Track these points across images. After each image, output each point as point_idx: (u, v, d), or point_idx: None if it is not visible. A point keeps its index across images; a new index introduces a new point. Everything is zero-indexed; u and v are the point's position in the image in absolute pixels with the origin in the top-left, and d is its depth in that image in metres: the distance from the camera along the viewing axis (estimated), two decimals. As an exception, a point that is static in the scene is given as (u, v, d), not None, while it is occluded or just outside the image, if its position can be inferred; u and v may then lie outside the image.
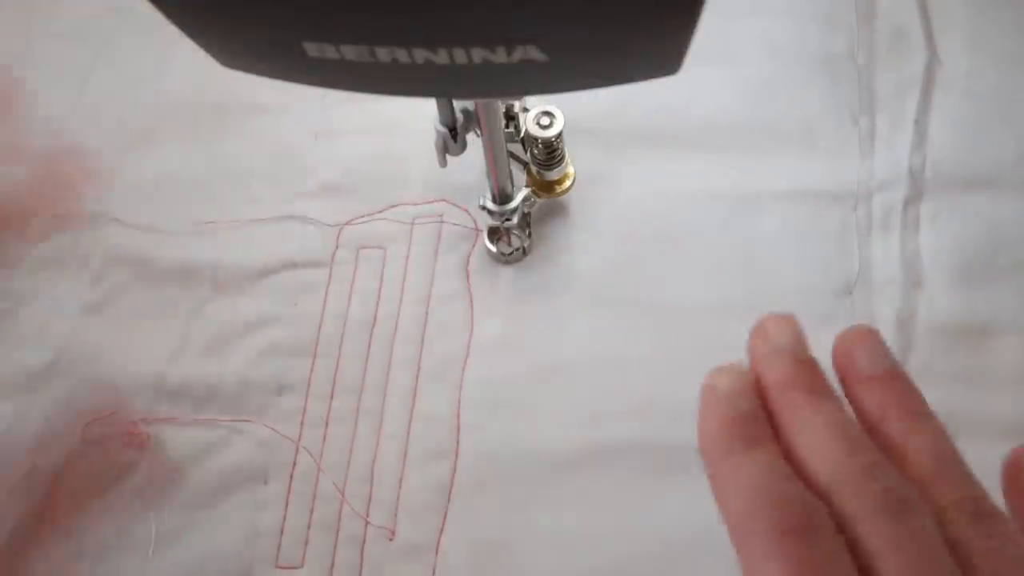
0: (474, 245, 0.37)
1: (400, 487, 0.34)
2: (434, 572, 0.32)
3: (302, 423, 0.35)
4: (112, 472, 0.34)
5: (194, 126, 0.40)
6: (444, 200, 0.38)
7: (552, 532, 0.33)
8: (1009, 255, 0.35)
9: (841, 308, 0.35)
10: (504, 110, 0.34)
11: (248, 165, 0.39)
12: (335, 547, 0.33)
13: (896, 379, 0.25)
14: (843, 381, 0.26)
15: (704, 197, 0.37)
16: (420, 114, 0.33)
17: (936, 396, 0.34)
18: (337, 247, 0.37)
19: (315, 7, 0.19)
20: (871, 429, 0.25)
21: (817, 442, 0.24)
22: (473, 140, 0.32)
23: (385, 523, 0.33)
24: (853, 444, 0.24)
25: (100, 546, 0.33)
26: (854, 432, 0.24)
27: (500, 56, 0.20)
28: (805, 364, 0.26)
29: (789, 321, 0.27)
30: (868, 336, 0.26)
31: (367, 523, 0.33)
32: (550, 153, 0.34)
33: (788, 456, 0.24)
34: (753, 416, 0.26)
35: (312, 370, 0.35)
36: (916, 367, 0.34)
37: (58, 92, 0.42)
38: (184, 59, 0.42)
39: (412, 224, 0.38)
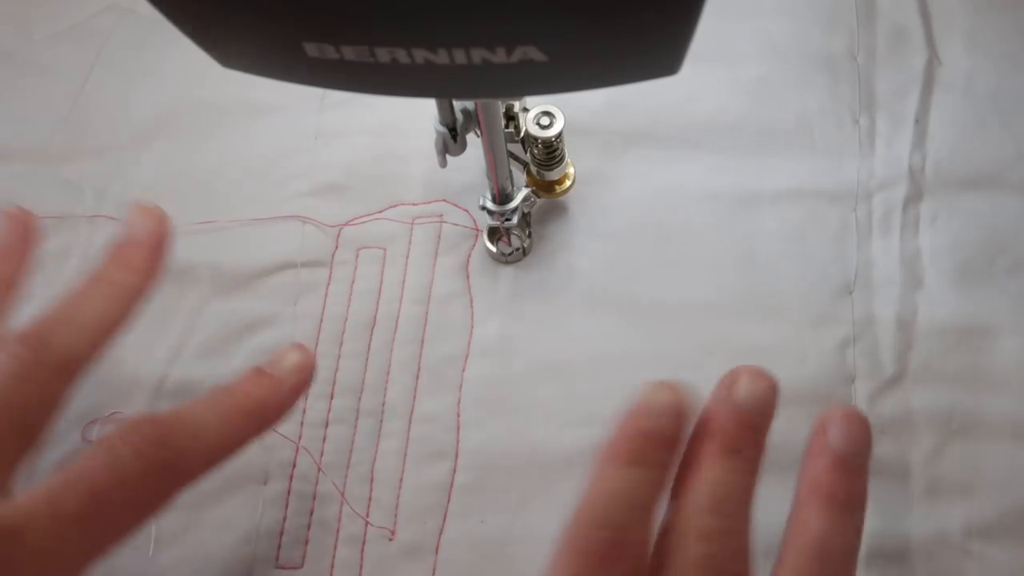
0: (474, 245, 0.37)
1: (400, 487, 0.34)
2: (434, 572, 0.32)
3: (302, 423, 0.35)
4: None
5: (194, 126, 0.40)
6: (444, 200, 0.38)
7: (552, 532, 0.32)
8: (1009, 255, 0.35)
9: (841, 308, 0.35)
10: (504, 110, 0.34)
11: (248, 165, 0.39)
12: (335, 547, 0.33)
13: (848, 469, 0.26)
14: (809, 443, 0.28)
15: (704, 197, 0.37)
16: (420, 114, 0.33)
17: (936, 396, 0.34)
18: (337, 247, 0.37)
19: (315, 7, 0.19)
20: (798, 500, 0.27)
21: (697, 491, 0.26)
22: (473, 140, 0.32)
23: (385, 523, 0.33)
24: (719, 505, 0.26)
25: None
26: (728, 495, 0.26)
27: (500, 56, 0.20)
28: (743, 425, 0.27)
29: (759, 380, 0.28)
30: (853, 419, 0.27)
31: (367, 523, 0.33)
32: (550, 153, 0.34)
33: (678, 493, 0.26)
34: (656, 440, 0.27)
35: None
36: (916, 367, 0.34)
37: (58, 92, 0.42)
38: (184, 59, 0.42)
39: (412, 224, 0.38)
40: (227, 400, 0.29)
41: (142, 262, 0.31)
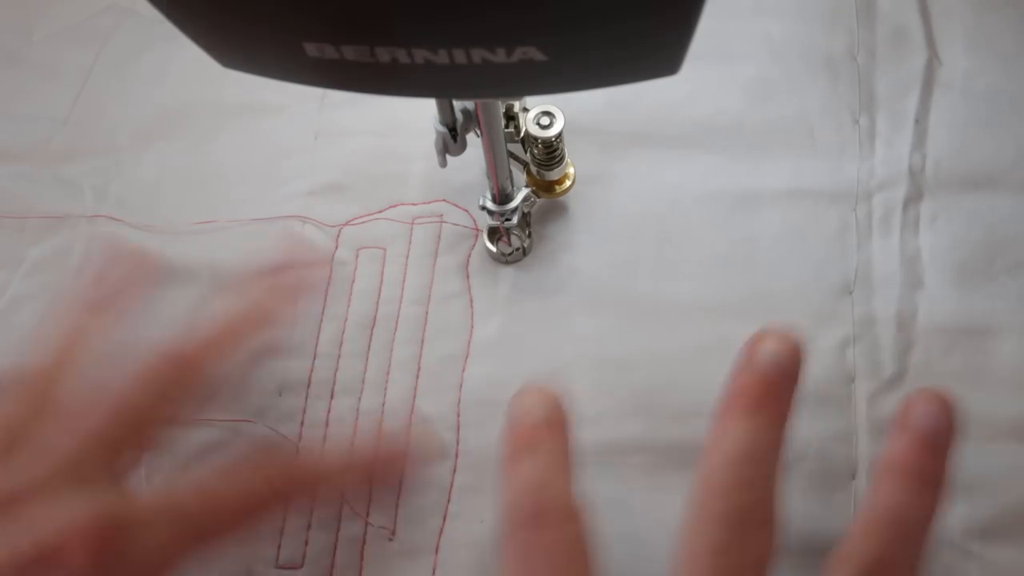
0: (474, 245, 0.37)
1: (400, 487, 0.34)
2: (434, 572, 0.32)
3: (302, 423, 0.35)
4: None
5: (194, 126, 0.40)
6: (444, 200, 0.38)
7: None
8: (1009, 255, 0.35)
9: (841, 307, 0.35)
10: (504, 110, 0.34)
11: (248, 165, 0.39)
12: (335, 547, 0.33)
13: (929, 447, 0.27)
14: (893, 423, 0.28)
15: (704, 197, 0.37)
16: (420, 114, 0.33)
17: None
18: (337, 247, 0.37)
19: (315, 7, 0.19)
20: (875, 476, 0.27)
21: (720, 449, 0.28)
22: (473, 140, 0.32)
23: (385, 523, 0.33)
24: (741, 459, 0.27)
25: None
26: (750, 449, 0.27)
27: (500, 56, 0.20)
28: (766, 385, 0.28)
29: (781, 343, 0.29)
30: (937, 400, 0.28)
31: (367, 523, 0.33)
32: (550, 153, 0.34)
33: (705, 449, 0.28)
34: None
35: (312, 370, 0.35)
36: (916, 367, 0.34)
37: (58, 92, 0.42)
38: (184, 59, 0.42)
39: (412, 224, 0.38)
40: (357, 465, 0.32)
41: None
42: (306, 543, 0.33)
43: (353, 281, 0.37)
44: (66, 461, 0.27)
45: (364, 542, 0.33)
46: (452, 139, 0.31)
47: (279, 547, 0.33)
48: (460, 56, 0.20)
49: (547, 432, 0.29)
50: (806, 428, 0.33)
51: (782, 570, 0.30)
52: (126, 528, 0.26)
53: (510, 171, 0.34)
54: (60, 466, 0.26)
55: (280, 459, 0.31)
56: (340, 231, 0.38)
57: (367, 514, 0.33)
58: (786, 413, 0.28)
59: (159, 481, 0.34)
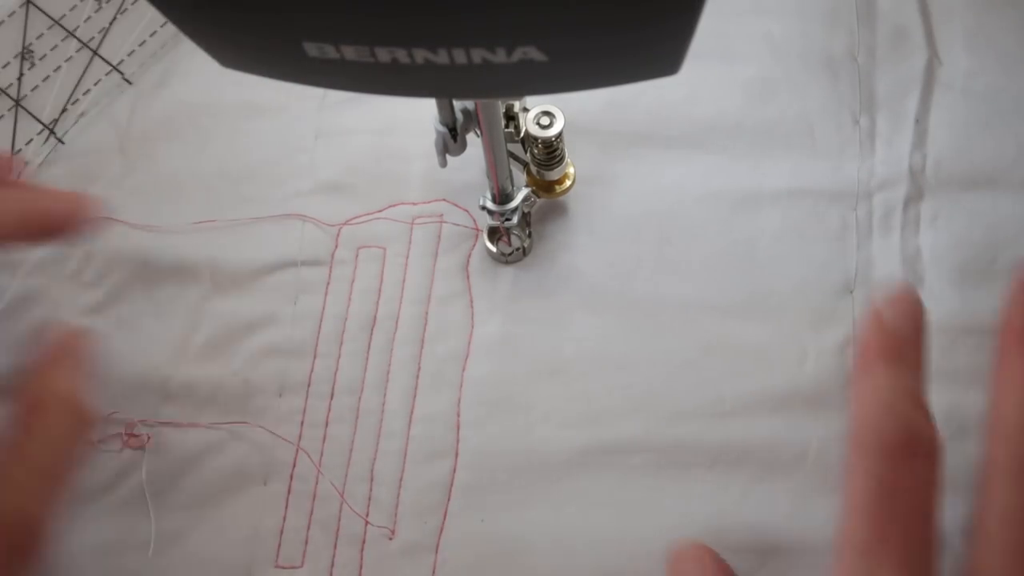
0: (474, 245, 0.37)
1: (400, 487, 0.34)
2: (434, 572, 0.32)
3: (302, 423, 0.35)
4: (112, 472, 0.34)
5: (193, 125, 0.40)
6: (444, 200, 0.38)
7: (552, 532, 0.33)
8: (1009, 254, 0.35)
9: (841, 307, 0.35)
10: (504, 110, 0.34)
11: (248, 164, 0.39)
12: (335, 547, 0.33)
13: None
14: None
15: (704, 197, 0.37)
16: (420, 114, 0.33)
17: (936, 396, 0.34)
18: (337, 246, 0.37)
19: (315, 7, 0.19)
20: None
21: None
22: (473, 140, 0.32)
23: (385, 523, 0.33)
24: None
25: (100, 546, 0.33)
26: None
27: (500, 56, 0.20)
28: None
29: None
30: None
31: (367, 523, 0.33)
32: (550, 153, 0.34)
33: (992, 394, 0.27)
34: (904, 338, 0.27)
35: (312, 370, 0.35)
36: (916, 367, 0.34)
37: (58, 92, 0.42)
38: (184, 58, 0.42)
39: (412, 224, 0.38)
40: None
41: None
42: (306, 542, 0.33)
43: (353, 280, 0.37)
44: None
45: (364, 541, 0.33)
46: (452, 139, 0.31)
47: (279, 547, 0.33)
48: (460, 56, 0.20)
49: (914, 346, 0.28)
50: (806, 428, 0.33)
51: (782, 570, 0.30)
52: None
53: (510, 171, 0.34)
54: None
55: None
56: (340, 230, 0.38)
57: (367, 514, 0.33)
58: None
59: (157, 484, 0.34)
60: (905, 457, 0.25)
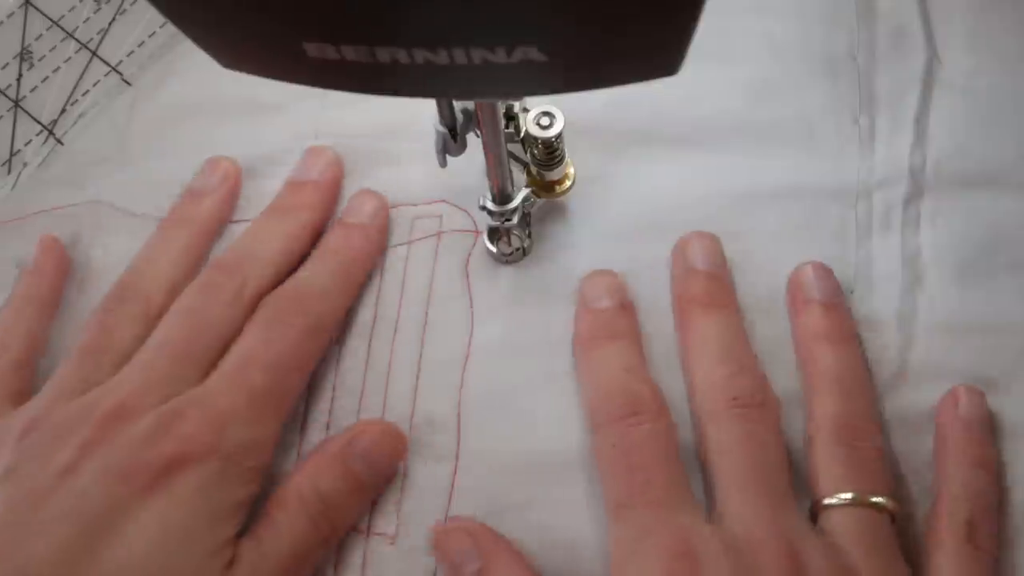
0: (474, 245, 0.37)
1: (401, 489, 0.34)
2: (435, 572, 0.32)
3: (302, 423, 0.35)
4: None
5: (193, 125, 0.40)
6: (444, 200, 0.38)
7: (552, 533, 0.33)
8: (1010, 253, 0.35)
9: (841, 307, 0.35)
10: (504, 110, 0.34)
11: (248, 165, 0.39)
12: (338, 549, 0.33)
13: (832, 308, 0.33)
14: (791, 303, 0.34)
15: (704, 196, 0.37)
16: (420, 114, 0.33)
17: (937, 395, 0.34)
18: (337, 247, 0.37)
19: (315, 7, 0.19)
20: (801, 344, 0.33)
21: (699, 348, 0.32)
22: (473, 140, 0.32)
23: (386, 525, 0.33)
24: (726, 353, 0.32)
25: None
26: (731, 342, 0.32)
27: (500, 56, 0.20)
28: (713, 280, 0.34)
29: (708, 239, 0.34)
30: (821, 269, 0.34)
31: (368, 525, 0.33)
32: (550, 153, 0.34)
33: (682, 358, 0.33)
34: (614, 314, 0.33)
35: (312, 371, 0.35)
36: (916, 365, 0.34)
37: (57, 92, 0.42)
38: (182, 59, 0.42)
39: (412, 224, 0.38)
40: (329, 258, 0.35)
41: (316, 199, 0.37)
42: (306, 544, 0.33)
43: (353, 281, 0.37)
44: (162, 377, 0.31)
45: (365, 544, 0.33)
46: (452, 139, 0.31)
47: (279, 548, 0.33)
48: (460, 56, 0.20)
49: (623, 317, 0.33)
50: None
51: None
52: (224, 417, 0.30)
53: (510, 171, 0.34)
54: (157, 381, 0.31)
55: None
56: (340, 231, 0.38)
57: (368, 516, 0.33)
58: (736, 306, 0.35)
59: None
60: (628, 418, 0.30)
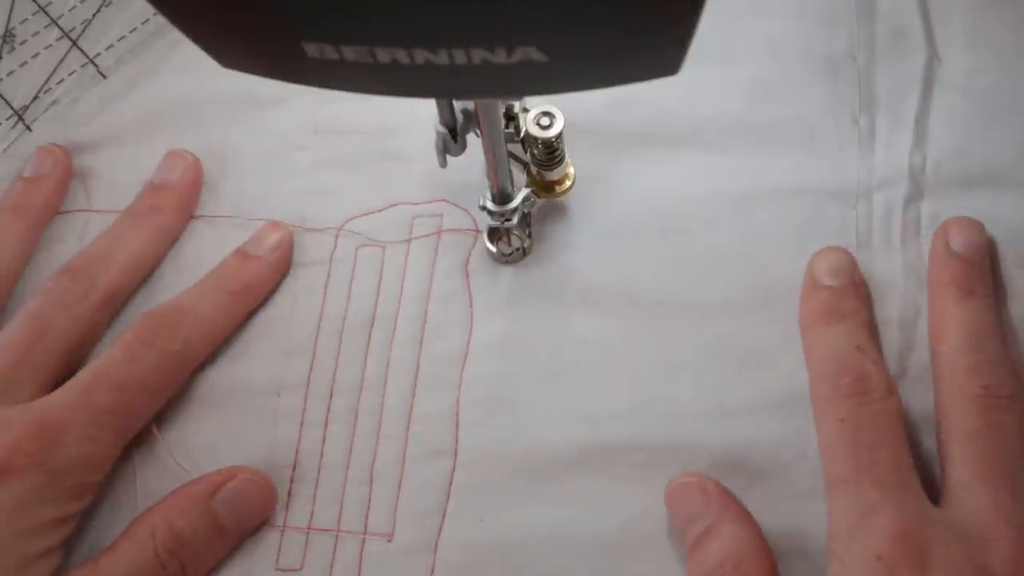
0: (474, 245, 0.37)
1: (399, 487, 0.34)
2: (433, 572, 0.32)
3: (301, 423, 0.35)
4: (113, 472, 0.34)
5: (193, 125, 0.40)
6: (444, 200, 0.38)
7: (552, 532, 0.33)
8: (1009, 254, 0.35)
9: (841, 308, 0.35)
10: (504, 110, 0.34)
11: (247, 164, 0.39)
12: (335, 548, 0.33)
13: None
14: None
15: (704, 196, 0.37)
16: (420, 114, 0.33)
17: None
18: (336, 246, 0.37)
19: (315, 7, 0.19)
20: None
21: (950, 333, 0.32)
22: (473, 140, 0.32)
23: (384, 523, 0.33)
24: (979, 341, 0.32)
25: (101, 546, 0.32)
26: (984, 330, 0.32)
27: (500, 56, 0.20)
28: (971, 266, 0.33)
29: (971, 225, 0.34)
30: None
31: (366, 525, 0.33)
32: (550, 153, 0.34)
33: (932, 341, 0.33)
34: (842, 293, 0.33)
35: (311, 370, 0.35)
36: (917, 366, 0.34)
37: (33, 79, 0.41)
38: (183, 56, 0.42)
39: (412, 224, 0.38)
40: (218, 285, 0.35)
41: (174, 203, 0.37)
42: (305, 545, 0.33)
43: (352, 280, 0.37)
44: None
45: (363, 542, 0.33)
46: (452, 139, 0.31)
47: (279, 549, 0.33)
48: (460, 56, 0.20)
49: (854, 295, 0.33)
50: (806, 428, 0.33)
51: (783, 570, 0.30)
52: (58, 428, 0.30)
53: (510, 171, 0.34)
54: None
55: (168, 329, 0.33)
56: (339, 230, 0.38)
57: (367, 514, 0.33)
58: (993, 292, 0.34)
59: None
60: (859, 396, 0.30)
